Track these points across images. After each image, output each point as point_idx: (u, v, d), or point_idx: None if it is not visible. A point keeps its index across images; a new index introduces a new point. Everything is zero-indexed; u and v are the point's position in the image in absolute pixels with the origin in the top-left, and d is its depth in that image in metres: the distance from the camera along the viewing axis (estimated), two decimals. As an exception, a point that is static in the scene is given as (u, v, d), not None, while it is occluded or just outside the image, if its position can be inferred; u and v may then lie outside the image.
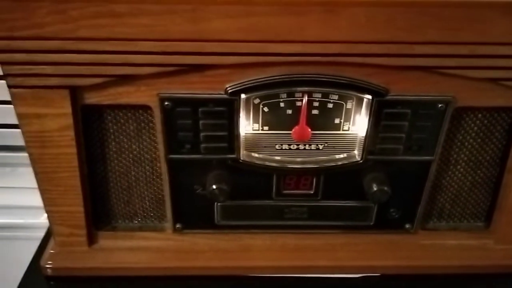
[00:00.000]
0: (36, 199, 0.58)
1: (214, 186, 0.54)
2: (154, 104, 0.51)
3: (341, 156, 0.56)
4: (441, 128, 0.53)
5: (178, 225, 0.61)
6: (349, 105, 0.52)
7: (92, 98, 0.51)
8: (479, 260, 0.63)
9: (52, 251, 0.62)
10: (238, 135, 0.53)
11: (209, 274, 0.62)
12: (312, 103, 0.52)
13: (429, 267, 0.62)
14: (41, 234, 0.68)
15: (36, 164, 0.54)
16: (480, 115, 0.54)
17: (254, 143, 0.55)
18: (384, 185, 0.55)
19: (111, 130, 0.55)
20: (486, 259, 0.63)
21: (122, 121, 0.54)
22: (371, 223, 0.61)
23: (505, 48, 0.47)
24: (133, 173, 0.58)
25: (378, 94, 0.51)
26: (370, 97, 0.51)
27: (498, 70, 0.49)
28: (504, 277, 0.63)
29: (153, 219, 0.62)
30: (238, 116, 0.52)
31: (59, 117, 0.51)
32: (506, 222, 0.61)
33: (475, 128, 0.55)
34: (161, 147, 0.54)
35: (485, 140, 0.56)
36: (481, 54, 0.48)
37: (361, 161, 0.55)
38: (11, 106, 0.50)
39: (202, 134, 0.53)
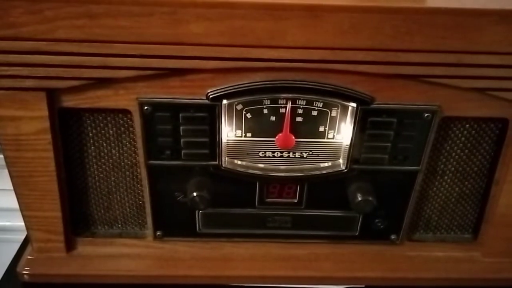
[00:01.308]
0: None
1: (194, 194, 0.53)
2: (133, 108, 0.50)
3: (326, 164, 0.55)
4: (428, 138, 0.52)
5: (158, 233, 0.59)
6: (333, 113, 0.51)
7: (69, 101, 0.49)
8: (466, 272, 0.61)
9: (29, 257, 0.60)
10: (220, 141, 0.52)
11: (190, 283, 0.60)
12: (296, 110, 0.51)
13: (415, 279, 0.61)
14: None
15: (12, 167, 0.53)
16: (467, 125, 0.53)
17: (236, 150, 0.54)
18: (369, 195, 0.54)
19: (90, 134, 0.53)
20: (473, 272, 0.62)
21: (101, 125, 0.53)
22: (356, 233, 0.60)
23: (493, 57, 0.46)
24: (113, 178, 0.56)
25: (363, 102, 0.50)
26: (355, 105, 0.50)
27: (486, 80, 0.48)
28: (492, 290, 0.62)
29: (133, 226, 0.60)
30: (220, 122, 0.51)
31: (35, 120, 0.49)
32: (494, 235, 0.60)
33: (463, 138, 0.54)
34: (141, 152, 0.53)
35: (472, 151, 0.55)
36: (468, 63, 0.47)
37: (345, 170, 0.54)
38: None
39: (182, 140, 0.52)
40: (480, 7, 0.44)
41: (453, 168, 0.56)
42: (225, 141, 0.52)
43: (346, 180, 0.55)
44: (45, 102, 0.48)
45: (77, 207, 0.58)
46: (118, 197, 0.58)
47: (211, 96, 0.49)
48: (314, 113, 0.51)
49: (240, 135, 0.53)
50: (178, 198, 0.56)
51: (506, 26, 0.44)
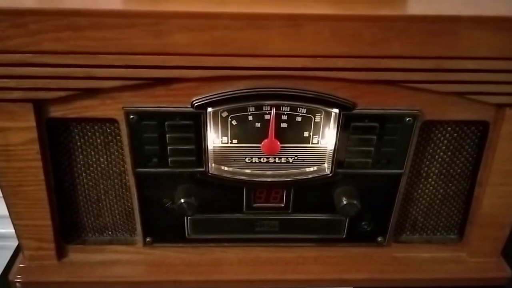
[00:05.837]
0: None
1: (182, 200, 0.54)
2: (120, 117, 0.51)
3: (311, 169, 0.56)
4: (410, 141, 0.53)
5: (148, 239, 0.60)
6: (317, 119, 0.52)
7: (57, 112, 0.50)
8: (452, 273, 0.62)
9: (21, 265, 0.61)
10: (206, 148, 0.53)
11: (180, 288, 0.61)
12: (281, 117, 0.52)
13: (402, 280, 0.62)
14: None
15: (1, 177, 0.53)
16: (449, 128, 0.54)
17: (223, 156, 0.54)
18: (354, 198, 0.55)
19: (78, 143, 0.54)
20: (459, 272, 0.62)
21: (89, 134, 0.53)
22: (343, 236, 0.61)
23: (471, 62, 0.47)
24: (102, 186, 0.57)
25: (345, 108, 0.50)
26: (337, 111, 0.51)
27: (464, 84, 0.49)
28: (478, 290, 0.63)
29: (123, 233, 0.61)
30: (206, 130, 0.52)
31: (23, 130, 0.50)
32: (479, 235, 0.61)
33: (445, 141, 0.55)
34: (128, 160, 0.54)
35: (455, 153, 0.56)
36: (447, 68, 0.48)
37: (330, 175, 0.55)
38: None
39: (169, 147, 0.52)
40: (455, 14, 0.45)
41: (436, 171, 0.57)
42: (211, 148, 0.53)
43: (331, 184, 0.56)
44: (32, 113, 0.49)
45: (67, 215, 0.59)
46: (107, 204, 0.58)
47: (196, 104, 0.50)
48: (298, 119, 0.52)
49: (226, 141, 0.54)
50: (166, 205, 0.57)
51: (481, 32, 0.45)
